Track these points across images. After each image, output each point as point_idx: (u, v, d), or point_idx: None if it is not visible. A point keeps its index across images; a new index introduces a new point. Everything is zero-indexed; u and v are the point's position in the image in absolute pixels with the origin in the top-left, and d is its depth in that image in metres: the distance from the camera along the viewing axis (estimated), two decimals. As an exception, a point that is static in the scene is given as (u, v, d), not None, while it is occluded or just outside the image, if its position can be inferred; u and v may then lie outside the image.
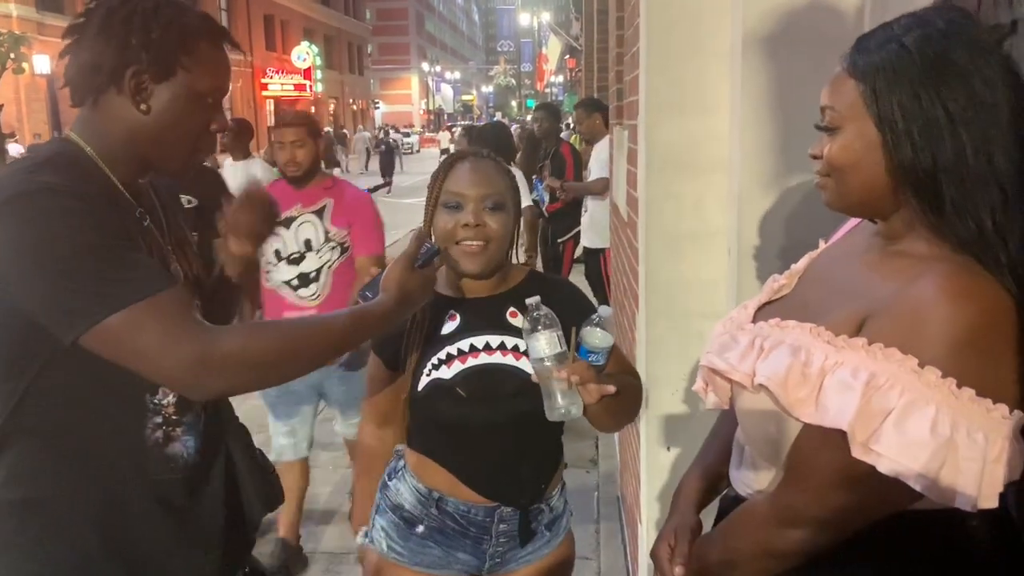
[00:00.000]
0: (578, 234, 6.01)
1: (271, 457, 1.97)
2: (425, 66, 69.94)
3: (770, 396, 1.07)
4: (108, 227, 1.20)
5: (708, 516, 1.38)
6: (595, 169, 5.58)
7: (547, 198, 5.99)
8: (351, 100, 49.57)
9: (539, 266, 6.32)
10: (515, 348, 1.61)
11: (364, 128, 38.87)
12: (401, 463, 1.76)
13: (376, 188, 4.88)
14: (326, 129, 33.23)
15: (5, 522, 1.30)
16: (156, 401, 1.33)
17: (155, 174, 1.41)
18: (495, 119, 21.37)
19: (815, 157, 1.13)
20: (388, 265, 1.46)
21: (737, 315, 1.29)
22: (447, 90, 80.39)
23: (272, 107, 36.86)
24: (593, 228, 5.69)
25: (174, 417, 1.36)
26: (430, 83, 71.74)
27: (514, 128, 11.87)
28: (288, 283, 3.17)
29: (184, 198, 1.87)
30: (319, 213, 3.16)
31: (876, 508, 1.03)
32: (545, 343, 1.46)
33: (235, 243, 1.56)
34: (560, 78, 38.04)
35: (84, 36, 1.29)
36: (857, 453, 0.96)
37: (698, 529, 1.35)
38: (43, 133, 19.19)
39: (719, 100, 2.03)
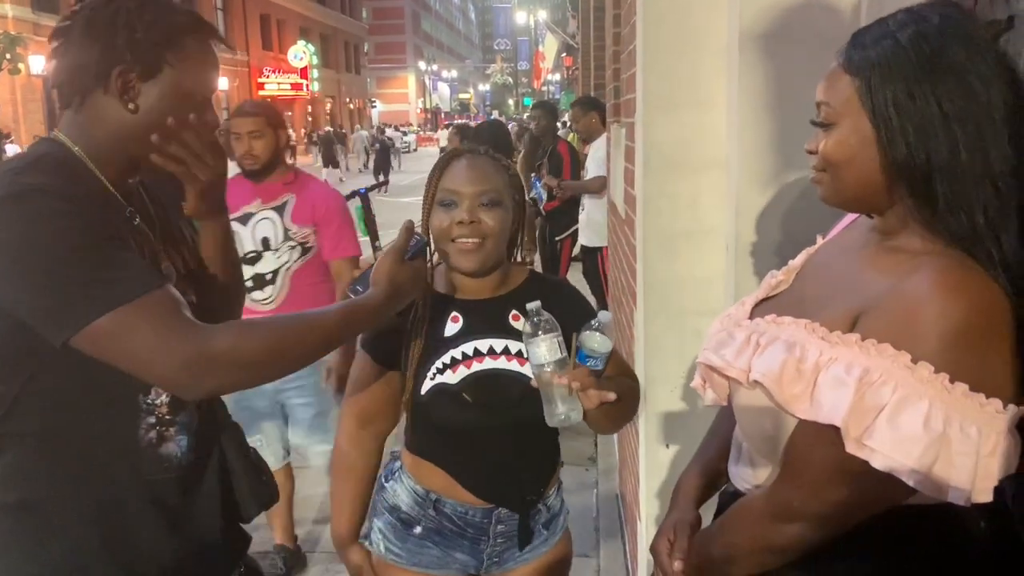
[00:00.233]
0: (576, 232, 6.02)
1: None
2: (422, 65, 69.90)
3: (765, 392, 1.08)
4: (96, 228, 1.19)
5: (707, 511, 1.38)
6: (592, 167, 5.59)
7: (545, 196, 6.00)
8: (348, 99, 49.53)
9: (537, 264, 6.32)
10: (518, 353, 1.60)
11: (362, 127, 38.85)
12: (397, 464, 1.75)
13: (373, 187, 4.86)
14: (326, 128, 33.23)
15: (1, 524, 1.30)
16: (149, 401, 1.33)
17: (145, 173, 1.40)
18: (492, 117, 21.34)
19: (811, 152, 1.13)
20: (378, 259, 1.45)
21: (734, 312, 1.29)
22: (444, 88, 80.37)
23: (268, 107, 36.78)
24: (590, 226, 5.70)
25: (167, 417, 1.35)
26: (427, 82, 71.70)
27: (511, 126, 11.87)
28: None
29: None
30: (279, 210, 2.97)
31: (871, 503, 1.03)
32: (546, 349, 1.45)
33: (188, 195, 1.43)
34: (557, 76, 38.07)
35: (70, 37, 1.28)
36: (851, 449, 0.97)
37: (697, 524, 1.35)
38: (40, 134, 19.08)
39: (716, 97, 2.03)
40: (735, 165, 1.89)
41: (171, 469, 1.36)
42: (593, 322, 1.52)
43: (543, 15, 35.05)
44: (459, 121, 28.93)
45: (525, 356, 1.54)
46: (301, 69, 37.20)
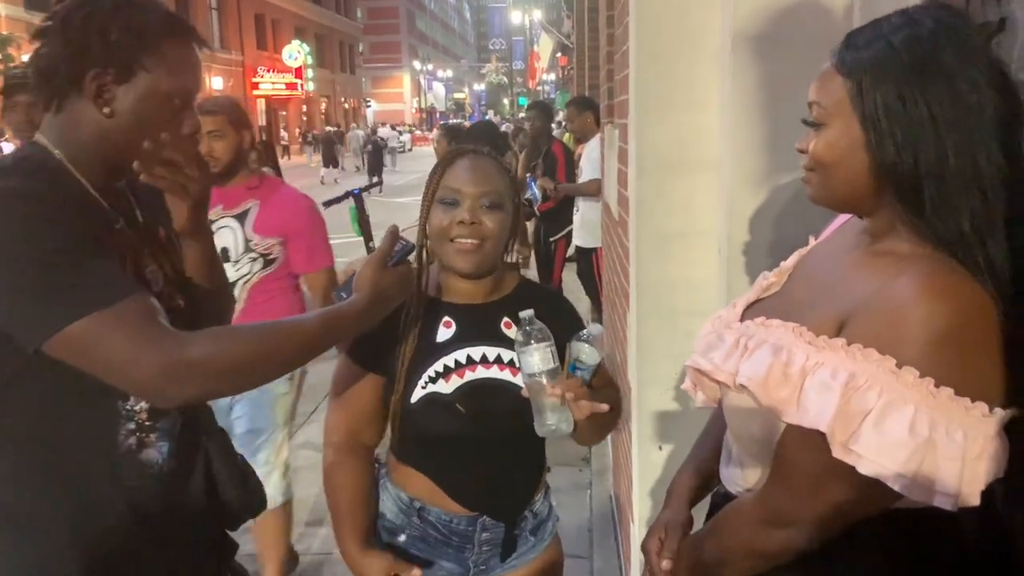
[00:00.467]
0: (570, 233, 6.02)
1: None
2: (417, 64, 69.85)
3: (752, 396, 1.08)
4: (72, 233, 1.17)
5: (700, 512, 1.38)
6: (586, 168, 5.58)
7: (540, 197, 6.00)
8: (343, 99, 49.52)
9: (532, 264, 6.32)
10: (510, 363, 1.58)
11: (358, 127, 38.82)
12: (383, 471, 1.72)
13: (367, 188, 4.84)
14: (327, 128, 33.13)
15: None
16: (129, 407, 1.31)
17: (128, 176, 1.37)
18: (486, 118, 21.28)
19: (801, 151, 1.13)
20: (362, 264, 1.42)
21: (725, 314, 1.29)
22: (439, 88, 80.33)
23: (264, 106, 36.83)
24: (585, 227, 5.70)
25: (147, 423, 1.33)
26: (422, 81, 71.66)
27: (505, 127, 11.85)
28: None
29: None
30: (240, 218, 2.76)
31: (860, 508, 1.03)
32: (539, 358, 1.45)
33: (171, 202, 1.44)
34: (552, 76, 38.05)
35: (46, 40, 1.26)
36: (838, 454, 0.97)
37: (689, 525, 1.35)
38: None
39: (709, 99, 2.03)
40: (728, 166, 1.89)
41: (151, 475, 1.34)
42: (583, 333, 1.51)
43: (538, 15, 35.03)
44: (454, 121, 28.87)
45: (517, 365, 1.53)
46: (296, 69, 37.19)
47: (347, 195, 4.29)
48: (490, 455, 1.62)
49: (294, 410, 2.98)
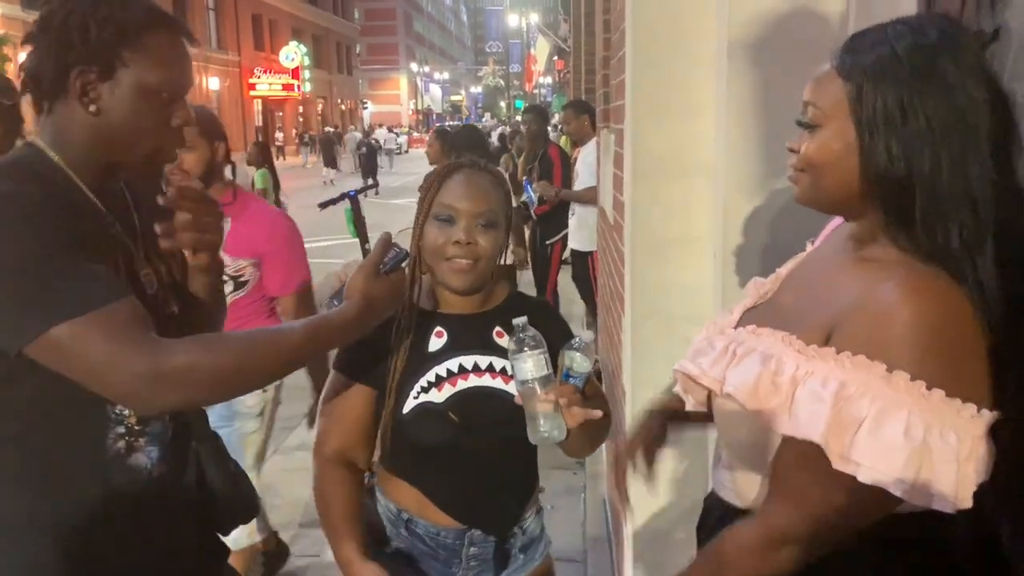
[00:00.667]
0: (566, 236, 6.02)
1: None
2: (414, 66, 69.85)
3: (737, 404, 1.08)
4: (60, 236, 1.16)
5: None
6: (584, 173, 5.58)
7: (536, 200, 6.00)
8: (339, 100, 49.47)
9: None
10: (503, 371, 1.57)
11: (355, 128, 38.80)
12: (373, 480, 1.69)
13: (362, 189, 4.83)
14: (327, 129, 33.05)
15: None
16: (118, 411, 1.29)
17: (124, 176, 1.37)
18: (467, 121, 21.14)
19: (792, 151, 1.13)
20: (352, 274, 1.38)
21: (721, 319, 1.29)
22: (436, 90, 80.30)
23: (260, 107, 36.80)
24: (580, 231, 5.70)
25: (136, 427, 1.31)
26: (419, 83, 71.67)
27: (501, 130, 11.81)
28: None
29: None
30: None
31: (861, 516, 1.02)
32: (532, 365, 1.44)
33: (190, 258, 1.45)
34: (548, 79, 38.07)
35: (34, 43, 1.25)
36: (836, 464, 0.96)
37: (662, 432, 1.45)
38: (31, 133, 19.01)
39: (705, 105, 2.04)
40: (722, 172, 1.90)
41: (140, 480, 1.32)
42: (574, 341, 1.51)
43: (535, 18, 35.11)
44: (451, 123, 28.84)
45: (509, 374, 1.53)
46: (293, 70, 37.17)
47: (343, 197, 4.28)
48: (481, 466, 1.60)
49: (264, 449, 2.84)
